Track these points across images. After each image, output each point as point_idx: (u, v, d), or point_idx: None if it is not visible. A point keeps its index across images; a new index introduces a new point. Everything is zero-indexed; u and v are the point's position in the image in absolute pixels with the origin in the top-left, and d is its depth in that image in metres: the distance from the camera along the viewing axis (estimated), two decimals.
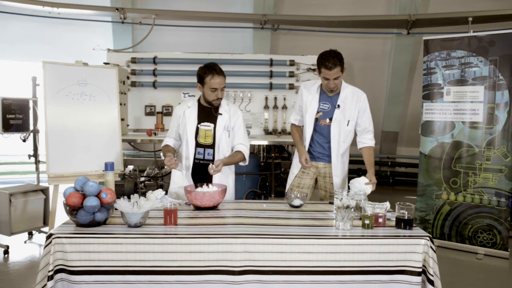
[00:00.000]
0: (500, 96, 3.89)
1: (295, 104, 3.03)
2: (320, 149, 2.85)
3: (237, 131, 2.75)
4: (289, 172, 3.05)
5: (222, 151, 2.71)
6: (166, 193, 2.54)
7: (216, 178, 2.66)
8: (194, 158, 2.70)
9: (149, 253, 1.81)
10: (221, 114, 2.72)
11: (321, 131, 2.82)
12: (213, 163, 2.59)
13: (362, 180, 2.53)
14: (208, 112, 2.72)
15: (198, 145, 2.70)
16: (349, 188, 2.56)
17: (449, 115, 4.18)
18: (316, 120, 2.82)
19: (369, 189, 2.52)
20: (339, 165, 2.83)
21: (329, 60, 2.59)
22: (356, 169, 7.41)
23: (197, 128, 2.69)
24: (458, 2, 6.55)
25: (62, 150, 3.53)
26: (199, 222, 2.08)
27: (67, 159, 3.54)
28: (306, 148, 2.86)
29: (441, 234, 4.24)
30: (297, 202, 2.44)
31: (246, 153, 2.75)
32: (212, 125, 2.70)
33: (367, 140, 2.84)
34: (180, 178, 2.74)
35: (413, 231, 1.98)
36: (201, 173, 2.69)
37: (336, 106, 2.76)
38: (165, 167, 5.90)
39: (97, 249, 1.80)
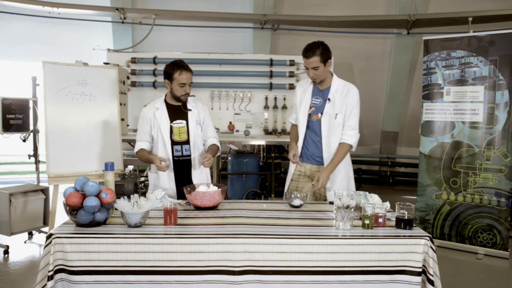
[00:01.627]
0: (500, 96, 3.89)
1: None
2: (313, 148, 2.79)
3: (207, 125, 2.91)
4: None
5: (197, 145, 2.83)
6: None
7: (196, 175, 2.79)
8: (173, 156, 2.77)
9: (149, 253, 1.81)
10: (190, 110, 2.82)
11: (314, 127, 2.78)
12: (190, 157, 2.77)
13: (376, 198, 2.30)
14: (177, 110, 2.81)
15: (174, 143, 2.77)
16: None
17: (449, 115, 4.18)
18: (309, 116, 2.79)
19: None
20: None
21: (309, 49, 2.62)
22: (356, 169, 7.42)
23: (171, 127, 2.76)
24: (458, 2, 6.55)
25: (62, 150, 3.53)
26: (199, 222, 2.08)
27: (67, 159, 3.54)
28: (300, 147, 2.83)
29: (441, 234, 4.24)
30: (297, 202, 2.44)
31: (219, 144, 2.94)
32: (184, 121, 2.79)
33: (346, 137, 2.72)
34: (157, 180, 2.81)
35: (413, 231, 1.98)
36: (183, 170, 2.79)
37: (327, 100, 2.73)
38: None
39: (97, 249, 1.80)
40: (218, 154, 2.97)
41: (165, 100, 2.84)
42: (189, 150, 2.79)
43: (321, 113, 2.74)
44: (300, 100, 2.86)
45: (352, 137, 2.73)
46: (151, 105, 2.86)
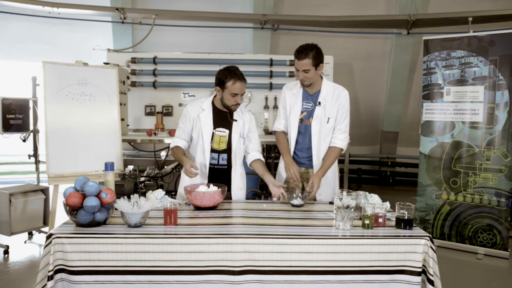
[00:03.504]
0: (500, 96, 3.89)
1: (278, 108, 2.92)
2: (303, 153, 2.75)
3: (252, 136, 2.76)
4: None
5: (237, 157, 2.71)
6: (167, 193, 2.53)
7: (235, 182, 2.69)
8: (209, 163, 2.66)
9: (149, 253, 1.81)
10: (236, 120, 2.68)
11: (305, 132, 2.72)
12: (227, 167, 2.65)
13: (376, 198, 2.28)
14: (223, 117, 2.66)
15: (211, 150, 2.65)
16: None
17: (449, 115, 4.18)
18: (301, 121, 2.73)
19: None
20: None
21: (302, 51, 2.57)
22: (356, 169, 7.43)
23: (212, 133, 2.64)
24: (458, 2, 6.55)
25: (62, 150, 3.54)
26: (199, 222, 2.08)
27: (67, 159, 3.54)
28: (291, 154, 2.76)
29: (441, 234, 4.24)
30: (296, 201, 2.44)
31: (263, 159, 2.79)
32: (227, 131, 2.66)
33: (336, 140, 2.70)
34: (190, 183, 2.65)
35: (413, 231, 1.98)
36: (215, 178, 2.64)
37: (317, 104, 2.68)
38: (166, 167, 5.90)
39: (97, 249, 1.80)
40: None
41: (212, 102, 2.68)
42: (226, 159, 2.67)
43: (312, 117, 2.69)
44: (290, 105, 2.76)
45: (343, 141, 2.71)
46: (197, 104, 2.70)
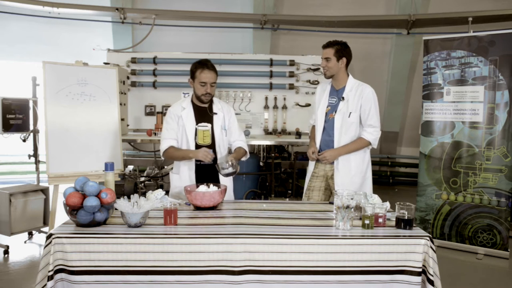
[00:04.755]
0: (500, 96, 3.89)
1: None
2: (326, 148, 2.83)
3: (232, 128, 2.83)
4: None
5: (221, 150, 2.75)
6: (167, 193, 2.54)
7: (222, 180, 2.70)
8: (195, 160, 2.69)
9: (149, 253, 1.81)
10: (216, 113, 2.75)
11: (328, 127, 2.83)
12: (215, 163, 2.64)
13: (376, 198, 2.29)
14: (203, 112, 2.74)
15: (196, 146, 2.69)
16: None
17: (449, 115, 4.18)
18: (326, 114, 2.86)
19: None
20: (343, 162, 2.79)
21: (329, 41, 2.80)
22: None
23: (195, 129, 2.69)
24: (458, 2, 6.55)
25: (62, 150, 3.53)
26: (199, 222, 2.08)
27: (67, 159, 3.54)
28: (318, 147, 2.87)
29: (441, 234, 4.24)
30: (227, 170, 2.50)
31: (246, 148, 2.84)
32: (209, 125, 2.72)
33: (365, 133, 2.80)
34: (178, 181, 2.73)
35: (413, 231, 1.98)
36: (203, 174, 2.69)
37: (341, 99, 2.79)
38: (166, 167, 5.90)
39: (97, 249, 1.80)
40: (245, 158, 2.82)
41: (191, 101, 2.77)
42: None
43: (335, 112, 2.80)
44: (318, 100, 2.93)
45: (371, 134, 2.80)
46: (177, 104, 2.78)
